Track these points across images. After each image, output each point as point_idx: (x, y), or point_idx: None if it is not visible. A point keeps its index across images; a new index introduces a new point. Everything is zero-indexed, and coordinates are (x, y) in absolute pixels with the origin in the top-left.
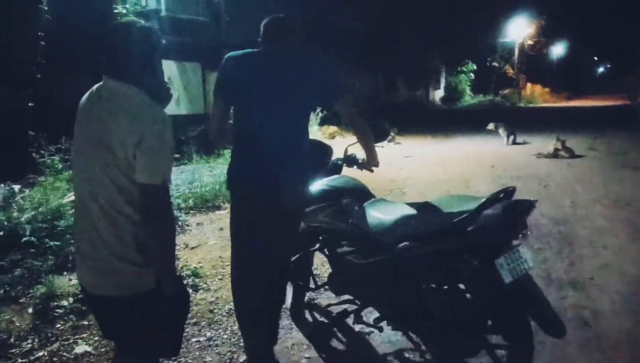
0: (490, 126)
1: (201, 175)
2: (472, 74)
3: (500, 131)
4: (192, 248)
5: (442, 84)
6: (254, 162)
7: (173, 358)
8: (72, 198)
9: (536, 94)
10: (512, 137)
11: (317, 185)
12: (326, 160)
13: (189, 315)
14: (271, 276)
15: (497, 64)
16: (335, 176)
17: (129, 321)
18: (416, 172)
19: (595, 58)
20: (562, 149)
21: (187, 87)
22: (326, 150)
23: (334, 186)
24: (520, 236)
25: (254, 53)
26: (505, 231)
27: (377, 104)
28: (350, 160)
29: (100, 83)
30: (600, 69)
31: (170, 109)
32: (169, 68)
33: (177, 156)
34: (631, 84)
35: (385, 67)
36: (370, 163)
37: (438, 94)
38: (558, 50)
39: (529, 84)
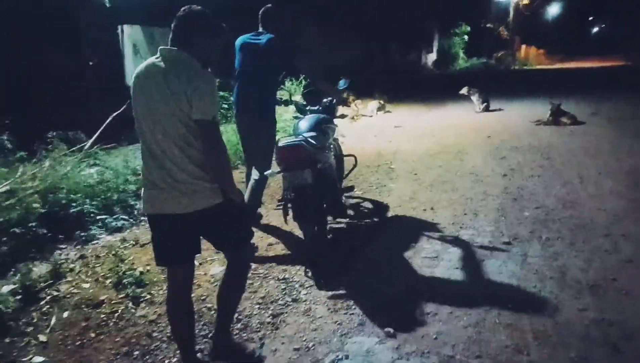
0: (463, 91)
1: None
2: (465, 37)
3: (474, 97)
4: (143, 245)
5: (435, 48)
6: (243, 96)
7: None
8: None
9: (531, 56)
10: (485, 103)
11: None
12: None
13: (119, 344)
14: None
15: (491, 26)
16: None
17: (218, 224)
18: (406, 144)
19: (590, 18)
20: (564, 116)
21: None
22: (321, 95)
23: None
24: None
25: (250, 36)
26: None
27: (368, 71)
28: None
29: (156, 56)
30: (595, 29)
31: None
32: (135, 34)
33: None
34: (629, 45)
35: (378, 32)
36: (333, 94)
37: (431, 58)
38: (553, 10)
39: (523, 46)
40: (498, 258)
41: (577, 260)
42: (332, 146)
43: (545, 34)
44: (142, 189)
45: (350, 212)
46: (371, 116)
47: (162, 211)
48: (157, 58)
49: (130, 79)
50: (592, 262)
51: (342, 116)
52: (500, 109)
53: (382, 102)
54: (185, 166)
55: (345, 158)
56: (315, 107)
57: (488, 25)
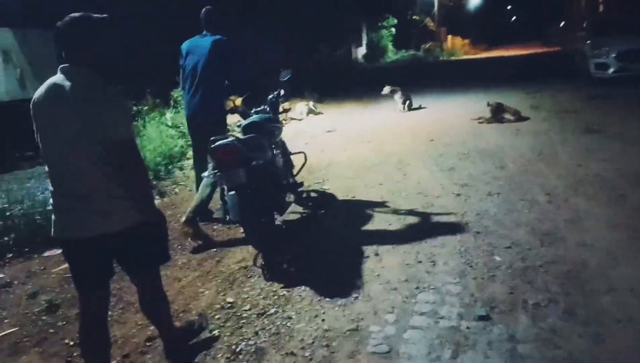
0: (385, 91)
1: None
2: (393, 29)
3: (396, 96)
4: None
5: (364, 42)
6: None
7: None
8: None
9: (457, 47)
10: (407, 102)
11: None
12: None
13: None
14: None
15: (417, 18)
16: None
17: (134, 246)
18: (340, 154)
19: (509, 7)
20: (506, 112)
21: (33, 62)
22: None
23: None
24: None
25: (195, 38)
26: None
27: (297, 68)
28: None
29: (56, 75)
30: (513, 18)
31: (14, 92)
32: (5, 38)
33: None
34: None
35: (306, 28)
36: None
37: (360, 52)
38: (474, 0)
39: (449, 37)
40: (477, 349)
41: (585, 341)
42: (278, 143)
43: (469, 24)
44: (53, 214)
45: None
46: (301, 120)
47: (76, 234)
48: (58, 78)
49: (3, 94)
50: (603, 344)
51: None
52: (422, 107)
53: (312, 103)
54: (101, 185)
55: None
56: (261, 107)
57: (414, 17)
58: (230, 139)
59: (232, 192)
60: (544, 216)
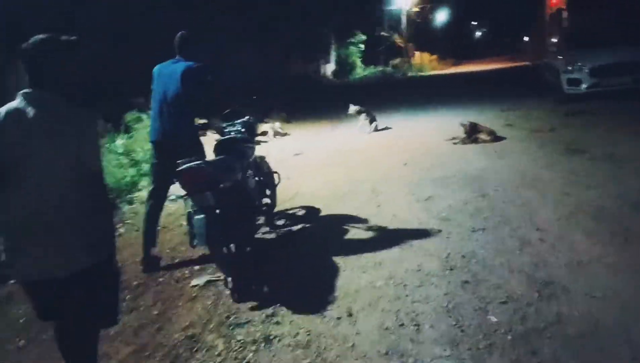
0: (352, 111)
1: None
2: (362, 46)
3: (361, 117)
4: None
5: (333, 58)
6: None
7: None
8: None
9: (425, 62)
10: (374, 123)
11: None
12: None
13: None
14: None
15: (385, 34)
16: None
17: (81, 293)
18: (309, 181)
19: (474, 23)
20: (481, 132)
21: None
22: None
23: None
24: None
25: (167, 63)
26: None
27: (266, 85)
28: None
29: (17, 101)
30: (478, 34)
31: None
32: None
33: None
34: (511, 47)
35: (279, 41)
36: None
37: (329, 68)
38: (441, 17)
39: (417, 53)
40: None
41: None
42: (250, 164)
43: (437, 40)
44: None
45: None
46: (266, 142)
47: (39, 274)
48: (19, 103)
49: None
50: None
51: None
52: (387, 128)
53: (277, 124)
54: (65, 220)
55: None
56: (235, 126)
57: (383, 33)
58: (196, 162)
59: (201, 216)
60: (539, 259)
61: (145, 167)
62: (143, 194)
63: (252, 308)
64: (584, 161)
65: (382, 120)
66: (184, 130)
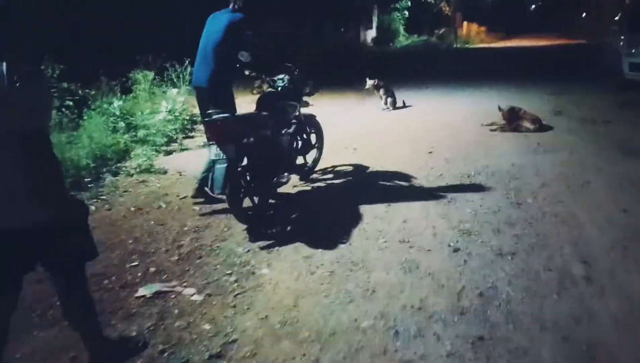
0: (368, 85)
1: None
2: (406, 12)
3: (380, 92)
4: None
5: (375, 24)
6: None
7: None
8: None
9: (472, 34)
10: (391, 99)
11: None
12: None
13: None
14: None
15: (432, 1)
16: None
17: (53, 242)
18: (317, 169)
19: None
20: (525, 118)
21: None
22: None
23: None
24: None
25: (219, 11)
26: None
27: (297, 52)
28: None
29: None
30: (533, 7)
31: None
32: None
33: None
34: (569, 22)
35: (310, 8)
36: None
37: (370, 35)
38: None
39: (465, 23)
40: None
41: None
42: (291, 122)
43: (487, 11)
44: None
45: None
46: None
47: None
48: None
49: None
50: None
51: None
52: (405, 105)
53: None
54: (11, 178)
55: None
56: (283, 83)
57: (429, 0)
58: (223, 115)
59: (223, 165)
60: (583, 310)
61: (141, 133)
62: (134, 164)
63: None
64: None
65: (416, 96)
66: (217, 79)
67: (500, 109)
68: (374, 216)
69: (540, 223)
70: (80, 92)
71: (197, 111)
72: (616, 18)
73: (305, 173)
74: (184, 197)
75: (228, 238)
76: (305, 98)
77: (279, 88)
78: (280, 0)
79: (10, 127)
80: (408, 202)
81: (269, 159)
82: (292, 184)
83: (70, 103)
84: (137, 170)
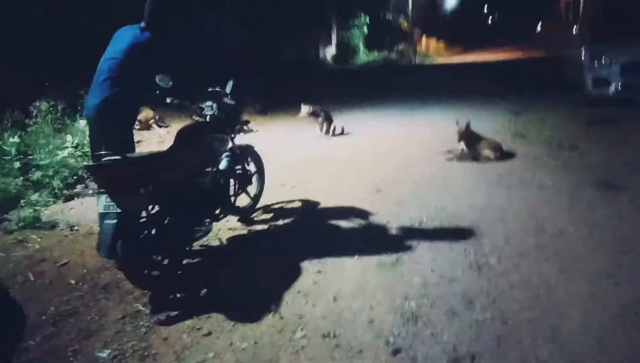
0: (303, 113)
1: None
2: (365, 29)
3: (319, 119)
4: None
5: (334, 40)
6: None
7: None
8: None
9: (431, 49)
10: (332, 126)
11: None
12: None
13: None
14: None
15: (391, 17)
16: None
17: None
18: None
19: (485, 9)
20: (484, 144)
21: None
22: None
23: None
24: None
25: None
26: None
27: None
28: None
29: None
30: (490, 20)
31: None
32: None
33: None
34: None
35: (269, 19)
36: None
37: (330, 52)
38: (451, 0)
39: (423, 38)
40: None
41: None
42: (221, 157)
43: (445, 26)
44: None
45: None
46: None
47: None
48: None
49: None
50: None
51: None
52: (343, 132)
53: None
54: None
55: None
56: (211, 111)
57: (388, 16)
58: (113, 157)
59: (112, 221)
60: None
61: (37, 175)
62: (20, 214)
63: None
64: (623, 205)
65: (371, 118)
66: (108, 109)
67: (457, 124)
68: (299, 289)
69: (507, 300)
70: None
71: None
72: (575, 27)
73: (243, 213)
74: (64, 264)
75: (94, 334)
76: (244, 126)
77: (207, 117)
78: (235, 10)
79: None
80: (344, 265)
81: (183, 207)
82: (228, 227)
83: None
84: (20, 225)
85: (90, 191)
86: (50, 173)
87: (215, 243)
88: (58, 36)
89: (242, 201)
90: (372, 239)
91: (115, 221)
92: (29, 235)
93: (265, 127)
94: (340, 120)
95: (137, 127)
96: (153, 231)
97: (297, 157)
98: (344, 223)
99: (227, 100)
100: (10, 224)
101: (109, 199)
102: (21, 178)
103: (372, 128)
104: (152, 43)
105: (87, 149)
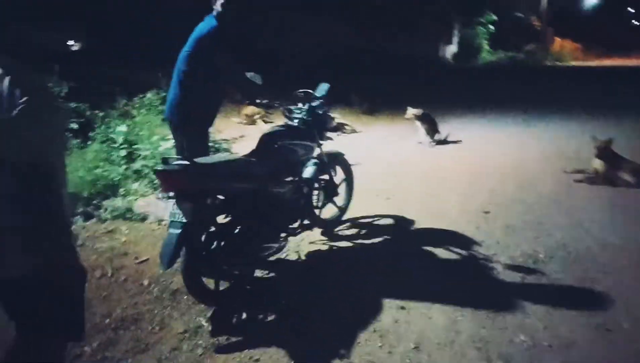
0: (409, 115)
1: None
2: (491, 27)
3: (419, 125)
4: None
5: (456, 38)
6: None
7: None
8: None
9: (565, 51)
10: (435, 134)
11: None
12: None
13: None
14: None
15: (521, 15)
16: None
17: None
18: (347, 218)
19: (630, 10)
20: (625, 168)
21: None
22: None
23: None
24: None
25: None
26: None
27: (359, 65)
28: None
29: None
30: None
31: None
32: None
33: None
34: None
35: (381, 18)
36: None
37: (450, 50)
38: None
39: (557, 39)
40: None
41: None
42: (304, 166)
43: (583, 26)
44: None
45: None
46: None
47: None
48: None
49: None
50: None
51: None
52: (448, 141)
53: (337, 118)
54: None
55: None
56: (301, 114)
57: (518, 14)
58: (182, 162)
59: (176, 231)
60: None
61: (138, 164)
62: (115, 203)
63: None
64: None
65: (488, 125)
66: (182, 111)
67: (594, 139)
68: (376, 328)
69: None
70: (88, 113)
71: (219, 136)
72: None
73: (327, 225)
74: (144, 261)
75: (151, 347)
76: (328, 134)
77: (296, 121)
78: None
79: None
80: (434, 304)
81: (255, 220)
82: (310, 241)
83: (76, 126)
84: (113, 214)
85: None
86: (151, 163)
87: (293, 256)
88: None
89: (327, 212)
90: (471, 276)
91: (179, 231)
92: (119, 225)
93: (370, 128)
94: (448, 126)
95: (243, 121)
96: (222, 244)
97: (398, 164)
98: (440, 252)
99: (317, 104)
100: (105, 213)
101: (176, 206)
102: (124, 166)
103: (484, 137)
104: (217, 32)
105: None
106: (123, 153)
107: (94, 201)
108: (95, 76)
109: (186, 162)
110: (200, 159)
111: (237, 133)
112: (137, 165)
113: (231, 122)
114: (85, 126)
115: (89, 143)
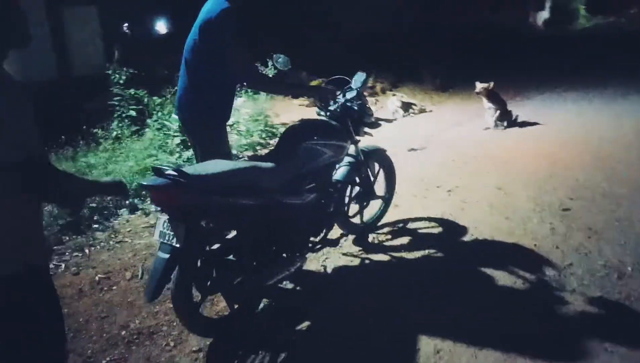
0: (479, 88)
1: None
2: None
3: (487, 106)
4: None
5: (548, 3)
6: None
7: None
8: None
9: None
10: (504, 116)
11: None
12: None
13: None
14: None
15: None
16: None
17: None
18: (393, 213)
19: None
20: None
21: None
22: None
23: None
24: None
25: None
26: None
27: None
28: None
29: None
30: None
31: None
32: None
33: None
34: None
35: None
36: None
37: (541, 16)
38: None
39: None
40: None
41: None
42: (322, 174)
43: None
44: None
45: None
46: (391, 121)
47: None
48: None
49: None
50: None
51: None
52: (525, 123)
53: (404, 96)
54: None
55: None
56: (334, 106)
57: None
58: (171, 174)
59: (164, 255)
60: None
61: (187, 154)
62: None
63: None
64: None
65: (570, 105)
66: (193, 106)
67: None
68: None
69: None
70: (145, 100)
71: (277, 121)
72: None
73: (360, 230)
74: None
75: None
76: (366, 129)
77: (328, 114)
78: None
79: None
80: (482, 351)
81: (265, 241)
82: (341, 252)
83: (134, 113)
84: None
85: None
86: None
87: (316, 268)
88: None
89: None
90: (539, 297)
91: (167, 255)
92: None
93: (441, 107)
94: (530, 103)
95: (305, 104)
96: (221, 271)
97: (466, 149)
98: (500, 275)
99: (352, 95)
100: (151, 205)
101: (167, 224)
102: (177, 155)
103: (568, 120)
104: (228, 14)
105: (242, 128)
106: (177, 140)
107: (143, 193)
108: (152, 62)
109: (175, 173)
110: (196, 170)
111: (298, 117)
112: (188, 153)
113: (291, 105)
114: (142, 113)
115: (146, 130)
